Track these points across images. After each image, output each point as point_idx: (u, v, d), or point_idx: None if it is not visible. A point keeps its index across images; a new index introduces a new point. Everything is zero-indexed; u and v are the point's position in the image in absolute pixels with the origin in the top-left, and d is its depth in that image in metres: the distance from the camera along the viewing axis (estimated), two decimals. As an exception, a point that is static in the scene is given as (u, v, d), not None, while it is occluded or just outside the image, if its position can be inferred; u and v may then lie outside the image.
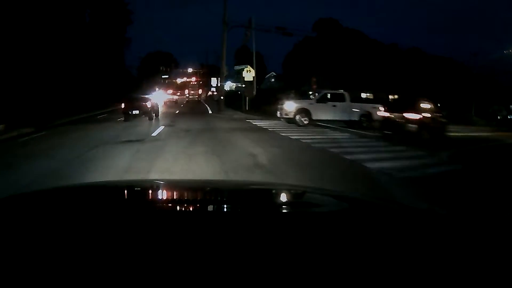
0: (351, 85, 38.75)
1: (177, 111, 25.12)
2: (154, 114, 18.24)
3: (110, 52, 38.81)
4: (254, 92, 24.74)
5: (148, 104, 17.88)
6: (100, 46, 35.37)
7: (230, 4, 45.42)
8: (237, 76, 66.27)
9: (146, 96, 20.24)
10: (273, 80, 56.07)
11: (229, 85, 61.46)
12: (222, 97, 25.64)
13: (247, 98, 25.01)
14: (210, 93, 57.90)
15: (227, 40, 24.52)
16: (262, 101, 25.11)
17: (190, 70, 63.85)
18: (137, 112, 17.34)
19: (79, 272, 0.72)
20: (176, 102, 42.28)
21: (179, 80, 63.37)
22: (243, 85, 26.49)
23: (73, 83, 27.65)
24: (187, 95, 54.08)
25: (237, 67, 26.98)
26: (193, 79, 61.08)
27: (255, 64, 61.52)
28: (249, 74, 25.30)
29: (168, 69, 60.40)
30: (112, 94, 33.62)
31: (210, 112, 25.69)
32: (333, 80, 36.84)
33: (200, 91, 58.54)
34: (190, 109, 29.17)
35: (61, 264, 0.74)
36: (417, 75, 37.21)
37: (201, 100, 52.53)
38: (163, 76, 57.35)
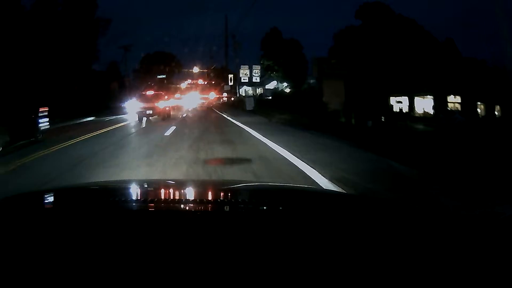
0: (405, 87, 30.79)
1: None
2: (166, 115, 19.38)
3: (70, 38, 24.69)
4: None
5: (161, 105, 18.95)
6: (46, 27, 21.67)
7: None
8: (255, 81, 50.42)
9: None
10: (312, 81, 41.23)
11: (244, 90, 47.11)
12: None
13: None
14: (225, 97, 42.20)
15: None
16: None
17: (196, 70, 48.69)
18: (150, 112, 18.30)
19: (80, 273, 0.71)
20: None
21: (182, 85, 51.62)
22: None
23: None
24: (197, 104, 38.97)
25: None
26: (201, 81, 46.53)
27: (292, 55, 43.51)
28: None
29: (167, 69, 45.54)
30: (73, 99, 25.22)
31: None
32: (381, 79, 30.91)
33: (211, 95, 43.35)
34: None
35: (60, 266, 0.73)
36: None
37: (214, 109, 35.66)
38: (158, 76, 42.49)
